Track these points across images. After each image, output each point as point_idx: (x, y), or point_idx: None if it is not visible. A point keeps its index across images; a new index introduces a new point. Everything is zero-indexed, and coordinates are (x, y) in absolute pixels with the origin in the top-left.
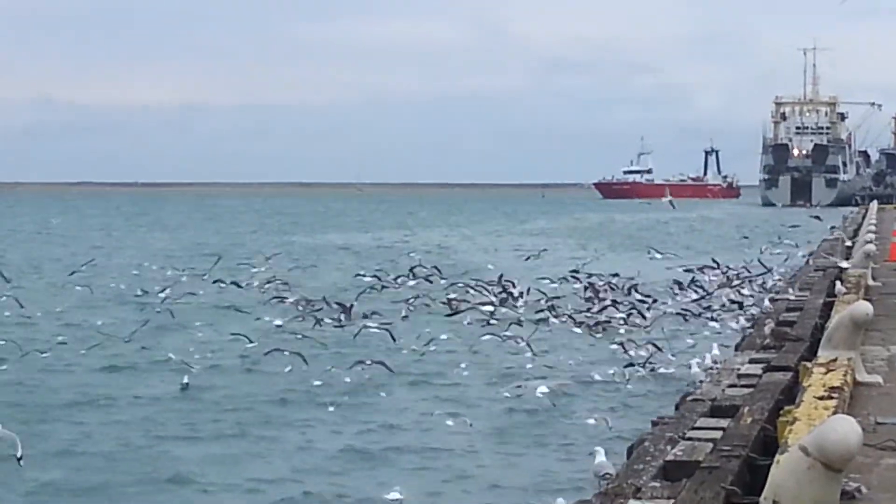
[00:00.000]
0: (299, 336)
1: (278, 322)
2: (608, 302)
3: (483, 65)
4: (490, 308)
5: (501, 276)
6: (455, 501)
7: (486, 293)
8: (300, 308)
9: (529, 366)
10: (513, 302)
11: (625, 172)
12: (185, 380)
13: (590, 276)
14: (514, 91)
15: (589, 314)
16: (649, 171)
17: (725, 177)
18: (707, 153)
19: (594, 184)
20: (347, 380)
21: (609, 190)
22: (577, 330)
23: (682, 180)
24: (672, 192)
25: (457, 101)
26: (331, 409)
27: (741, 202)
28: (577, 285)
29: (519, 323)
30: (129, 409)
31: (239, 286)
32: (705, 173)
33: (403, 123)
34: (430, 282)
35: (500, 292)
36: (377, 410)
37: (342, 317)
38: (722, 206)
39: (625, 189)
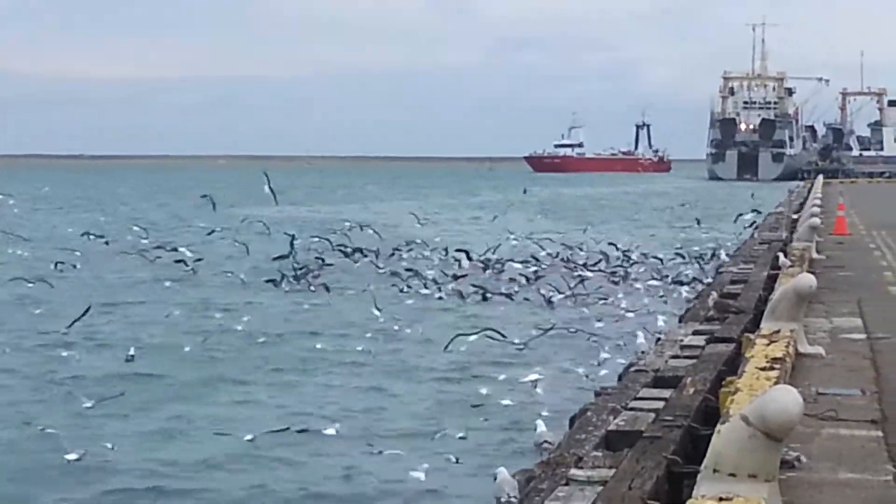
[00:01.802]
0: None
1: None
2: (554, 273)
3: (439, 41)
4: (433, 279)
5: (447, 248)
6: (396, 472)
7: (428, 265)
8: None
9: (473, 338)
10: (457, 273)
11: (556, 146)
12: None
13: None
14: (468, 67)
15: (535, 284)
16: (580, 145)
17: (656, 151)
18: (638, 127)
19: (525, 157)
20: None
21: (539, 164)
22: (521, 301)
23: (612, 154)
24: (603, 166)
25: (411, 76)
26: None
27: (691, 176)
28: (522, 257)
29: (462, 296)
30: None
31: (186, 263)
32: (636, 147)
33: (357, 98)
34: (365, 255)
35: (445, 264)
36: (307, 387)
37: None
38: (666, 181)
39: (555, 163)
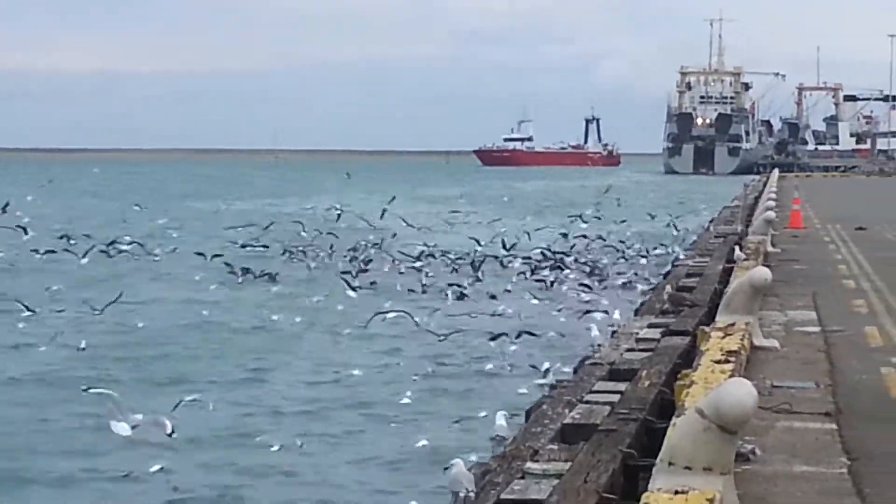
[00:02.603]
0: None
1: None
2: (517, 265)
3: (403, 33)
4: (388, 273)
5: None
6: (349, 466)
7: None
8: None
9: (391, 315)
10: (410, 267)
11: (505, 140)
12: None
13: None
14: (431, 60)
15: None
16: (530, 139)
17: (606, 145)
18: (588, 121)
19: (474, 151)
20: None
21: (489, 157)
22: (480, 294)
23: (562, 148)
24: (552, 159)
25: (376, 69)
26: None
27: (645, 170)
28: (481, 250)
29: (424, 290)
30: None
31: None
32: (586, 141)
33: (322, 91)
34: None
35: (397, 258)
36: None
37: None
38: (623, 175)
39: (504, 156)
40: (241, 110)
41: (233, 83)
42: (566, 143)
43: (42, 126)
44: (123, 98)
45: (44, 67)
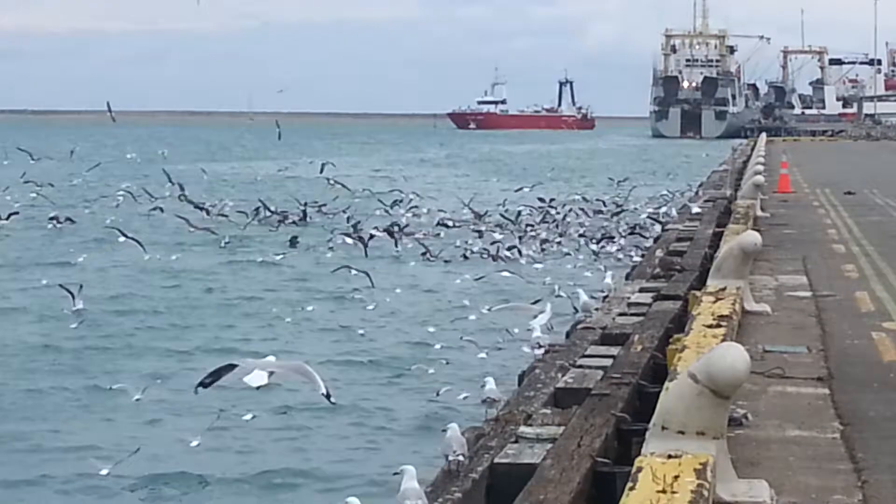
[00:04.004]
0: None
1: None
2: (498, 234)
3: None
4: (383, 236)
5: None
6: (340, 436)
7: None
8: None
9: (353, 272)
10: (401, 232)
11: (479, 103)
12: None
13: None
14: (410, 20)
15: (481, 243)
16: (503, 102)
17: (580, 108)
18: (561, 84)
19: (448, 114)
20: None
21: (462, 120)
22: (467, 258)
23: (536, 111)
24: (526, 123)
25: (354, 30)
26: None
27: (631, 133)
28: (467, 213)
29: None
30: None
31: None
32: (560, 104)
33: (299, 52)
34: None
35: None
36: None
37: None
38: (611, 138)
39: (478, 119)
40: (210, 72)
41: (202, 44)
42: (540, 106)
43: (10, 88)
44: (90, 60)
45: (12, 27)
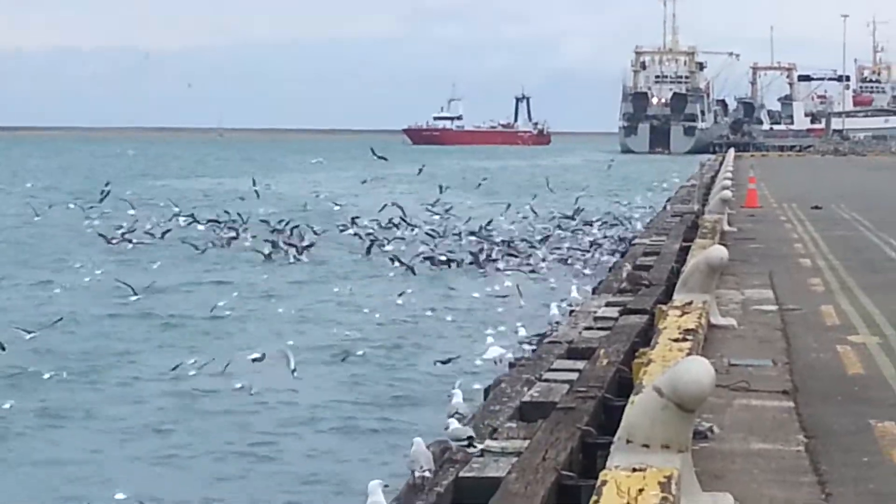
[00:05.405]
0: None
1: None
2: (477, 245)
3: (353, 10)
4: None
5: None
6: (308, 446)
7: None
8: None
9: (387, 309)
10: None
11: (435, 118)
12: None
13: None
14: (384, 37)
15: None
16: (459, 118)
17: (536, 123)
18: (518, 100)
19: (403, 130)
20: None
21: (419, 136)
22: (436, 271)
23: (492, 127)
24: (482, 138)
25: (326, 46)
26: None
27: (598, 149)
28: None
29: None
30: None
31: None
32: (516, 120)
33: (271, 69)
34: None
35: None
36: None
37: None
38: (580, 153)
39: (434, 135)
40: (182, 88)
41: (174, 61)
42: (496, 121)
43: None
44: (63, 76)
45: None
